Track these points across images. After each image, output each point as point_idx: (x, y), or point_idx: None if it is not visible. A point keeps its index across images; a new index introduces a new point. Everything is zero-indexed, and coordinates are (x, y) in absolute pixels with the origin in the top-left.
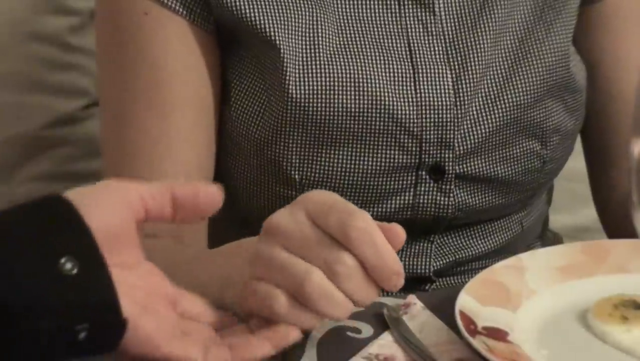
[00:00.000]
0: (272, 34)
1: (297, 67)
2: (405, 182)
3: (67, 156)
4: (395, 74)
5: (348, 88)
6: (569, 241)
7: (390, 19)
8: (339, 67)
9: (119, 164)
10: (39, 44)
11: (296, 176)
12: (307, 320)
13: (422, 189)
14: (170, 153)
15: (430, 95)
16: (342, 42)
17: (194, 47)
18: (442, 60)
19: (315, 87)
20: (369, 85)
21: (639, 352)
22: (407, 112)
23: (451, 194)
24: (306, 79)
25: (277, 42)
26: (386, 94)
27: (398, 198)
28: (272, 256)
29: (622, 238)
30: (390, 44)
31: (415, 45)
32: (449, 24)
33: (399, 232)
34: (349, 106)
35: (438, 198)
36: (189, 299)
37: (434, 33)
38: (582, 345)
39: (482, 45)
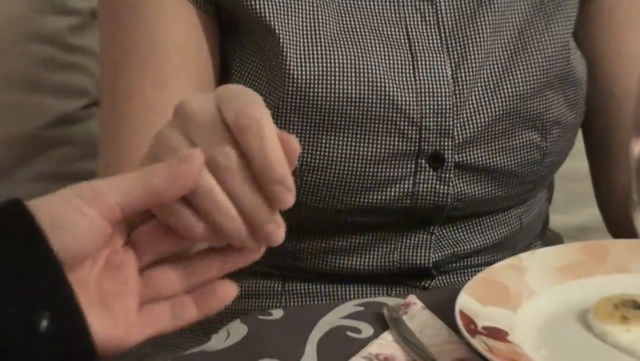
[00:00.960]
0: (271, 19)
1: (297, 52)
2: (404, 170)
3: (67, 156)
4: (394, 62)
5: (348, 74)
6: (569, 241)
7: (388, 7)
8: (339, 52)
9: (116, 132)
10: (39, 44)
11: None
12: (197, 226)
13: (422, 177)
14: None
15: (429, 82)
16: (341, 29)
17: (194, 25)
18: (440, 49)
19: (315, 73)
20: (369, 71)
21: (639, 352)
22: (407, 99)
23: (450, 183)
24: (306, 64)
25: (276, 28)
26: (386, 80)
27: (397, 185)
28: (166, 138)
29: (624, 235)
30: (389, 32)
31: (414, 33)
32: (448, 14)
33: (294, 145)
34: (349, 91)
35: (437, 186)
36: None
37: (432, 22)
38: (582, 345)
39: (481, 35)
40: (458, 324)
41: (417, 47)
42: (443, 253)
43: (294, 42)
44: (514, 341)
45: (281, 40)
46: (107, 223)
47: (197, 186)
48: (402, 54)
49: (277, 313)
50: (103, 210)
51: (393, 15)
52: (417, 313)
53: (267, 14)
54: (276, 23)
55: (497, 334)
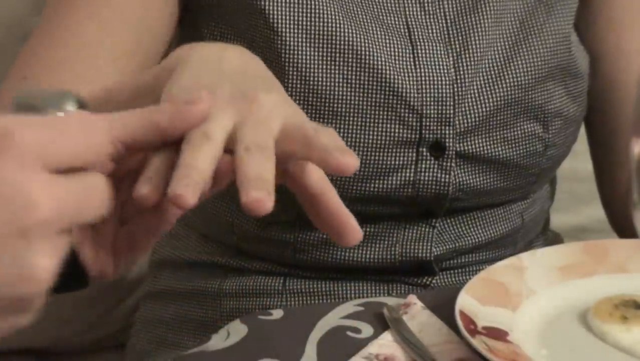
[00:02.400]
0: (268, 7)
1: (297, 39)
2: (406, 158)
3: None
4: (395, 49)
5: (349, 60)
6: (569, 241)
7: None
8: (340, 38)
9: (41, 52)
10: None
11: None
12: None
13: (423, 166)
14: (105, 61)
15: (430, 70)
16: (342, 16)
17: None
18: (441, 38)
19: (316, 58)
20: (370, 58)
21: (639, 352)
22: (407, 86)
23: (452, 172)
24: (307, 50)
25: (272, 15)
26: (386, 67)
27: (399, 174)
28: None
29: (627, 232)
30: (389, 21)
31: (413, 23)
32: (450, 4)
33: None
34: (349, 77)
35: (439, 175)
36: None
37: (431, 12)
38: (582, 344)
39: (483, 25)
40: (458, 324)
41: (416, 37)
42: (445, 247)
43: (294, 29)
44: (514, 341)
45: (279, 27)
46: (101, 133)
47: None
48: (402, 43)
49: (277, 313)
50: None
51: (393, 4)
52: (417, 313)
53: (263, 1)
54: (273, 10)
55: (497, 334)
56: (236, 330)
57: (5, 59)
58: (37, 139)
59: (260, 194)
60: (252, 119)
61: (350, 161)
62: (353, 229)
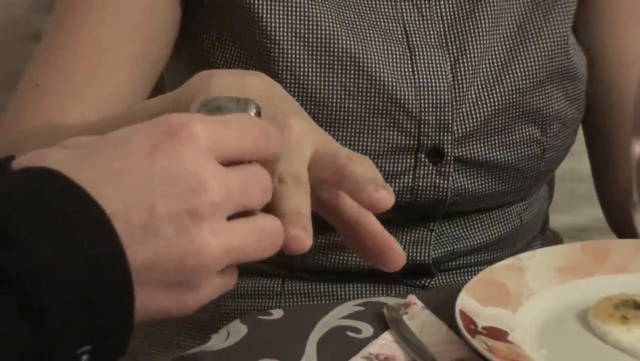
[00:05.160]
0: (265, 15)
1: (294, 46)
2: (404, 164)
3: None
4: (393, 56)
5: (347, 67)
6: (569, 241)
7: (386, 2)
8: (337, 46)
9: (44, 78)
10: (38, 44)
11: None
12: None
13: (421, 172)
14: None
15: (428, 77)
16: (339, 22)
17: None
18: (438, 43)
19: (314, 66)
20: (368, 65)
21: (639, 352)
22: (406, 93)
23: (450, 178)
24: (305, 58)
25: (269, 25)
26: (384, 74)
27: (397, 180)
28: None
29: (626, 233)
30: (386, 27)
31: (411, 28)
32: (447, 8)
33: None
34: (347, 85)
35: (437, 181)
36: None
37: (429, 17)
38: (582, 345)
39: (480, 30)
40: (458, 324)
41: (414, 42)
42: (443, 250)
43: (291, 37)
44: (514, 341)
45: (277, 35)
46: None
47: None
48: (400, 49)
49: (277, 313)
50: None
51: (391, 10)
52: (417, 313)
53: (260, 9)
54: (270, 19)
55: (497, 334)
56: (236, 330)
57: (5, 59)
58: (212, 134)
59: (298, 232)
60: (284, 146)
61: (384, 197)
62: (397, 253)
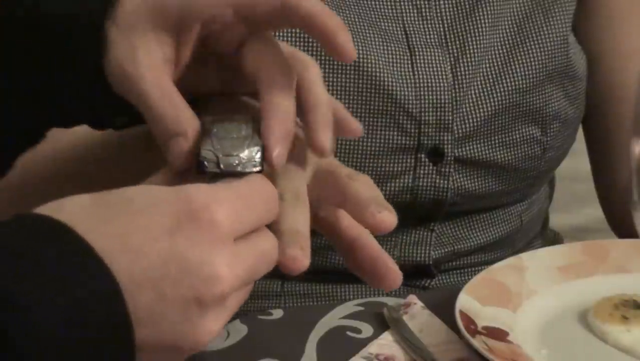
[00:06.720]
0: None
1: (293, 45)
2: (404, 164)
3: None
4: (393, 56)
5: (347, 67)
6: (569, 241)
7: (386, 2)
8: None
9: None
10: None
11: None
12: None
13: (422, 172)
14: None
15: (428, 77)
16: None
17: None
18: (438, 43)
19: None
20: (368, 65)
21: (639, 352)
22: (406, 93)
23: (450, 178)
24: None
25: None
26: (385, 74)
27: (398, 180)
28: None
29: (626, 232)
30: (386, 27)
31: (411, 29)
32: (446, 8)
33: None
34: (347, 84)
35: (437, 181)
36: None
37: (428, 17)
38: (582, 345)
39: (480, 30)
40: (458, 324)
41: (414, 42)
42: (443, 251)
43: (291, 37)
44: (514, 341)
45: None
46: None
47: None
48: (400, 49)
49: (277, 313)
50: None
51: (390, 10)
52: (417, 313)
53: None
54: None
55: (497, 334)
56: (236, 330)
57: None
58: (230, 216)
59: (295, 252)
60: (284, 165)
61: (387, 219)
62: (394, 273)
